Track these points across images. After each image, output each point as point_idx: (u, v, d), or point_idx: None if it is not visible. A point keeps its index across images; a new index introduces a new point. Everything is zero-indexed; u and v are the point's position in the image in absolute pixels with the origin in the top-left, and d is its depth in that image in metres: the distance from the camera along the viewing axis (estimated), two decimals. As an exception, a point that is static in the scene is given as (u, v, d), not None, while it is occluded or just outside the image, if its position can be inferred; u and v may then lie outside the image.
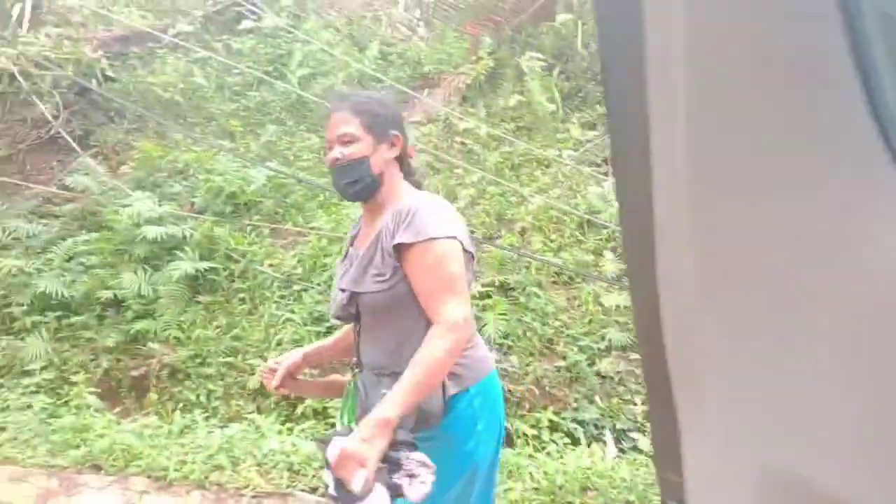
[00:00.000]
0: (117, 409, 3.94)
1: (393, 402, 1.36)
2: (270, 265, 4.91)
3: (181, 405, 3.94)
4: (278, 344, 4.26)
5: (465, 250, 1.53)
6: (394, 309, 1.53)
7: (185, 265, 4.59)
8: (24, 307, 4.56)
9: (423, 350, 1.42)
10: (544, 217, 5.23)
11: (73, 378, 4.04)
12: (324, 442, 1.41)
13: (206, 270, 4.68)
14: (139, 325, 4.37)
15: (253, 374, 4.10)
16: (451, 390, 1.52)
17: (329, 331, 4.40)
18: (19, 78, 5.89)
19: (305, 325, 4.37)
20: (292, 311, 4.50)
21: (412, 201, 1.56)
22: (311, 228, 5.27)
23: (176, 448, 3.28)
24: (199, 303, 4.60)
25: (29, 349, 4.29)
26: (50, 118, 6.06)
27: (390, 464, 1.34)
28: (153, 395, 4.02)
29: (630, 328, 4.18)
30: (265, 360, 4.18)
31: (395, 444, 1.35)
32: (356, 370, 1.64)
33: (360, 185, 1.60)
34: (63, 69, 6.04)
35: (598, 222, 5.14)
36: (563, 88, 6.86)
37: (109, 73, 6.65)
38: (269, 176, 5.61)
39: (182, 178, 5.69)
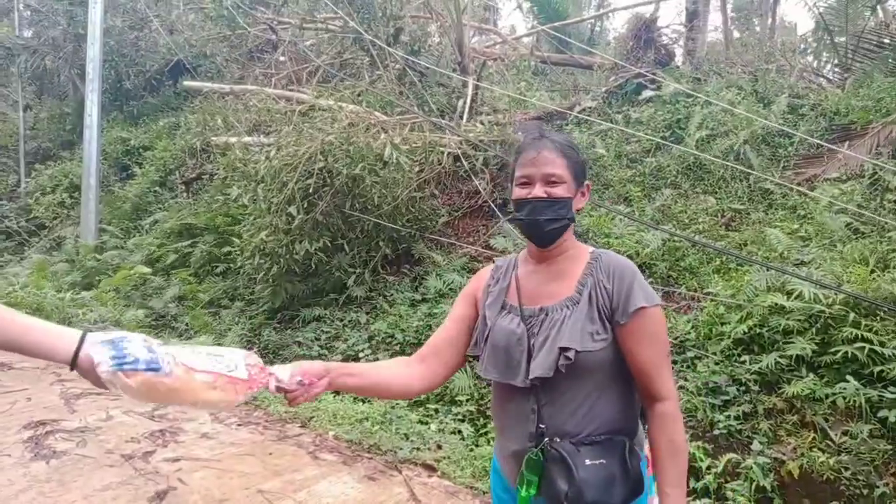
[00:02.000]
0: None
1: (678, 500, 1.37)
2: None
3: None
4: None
5: None
6: (599, 371, 1.45)
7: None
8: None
9: (669, 433, 1.40)
10: None
11: (489, 412, 4.71)
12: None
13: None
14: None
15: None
16: None
17: (725, 404, 4.18)
18: (461, 158, 7.30)
19: (699, 394, 4.23)
20: (685, 379, 4.42)
21: (610, 253, 1.55)
22: (706, 293, 5.12)
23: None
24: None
25: (457, 382, 5.18)
26: (480, 190, 7.32)
27: None
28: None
29: None
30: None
31: None
32: (540, 437, 1.47)
33: (557, 226, 1.53)
34: (491, 149, 7.28)
35: None
36: None
37: (525, 149, 7.70)
38: (664, 239, 5.69)
39: (582, 242, 6.18)
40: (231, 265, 7.56)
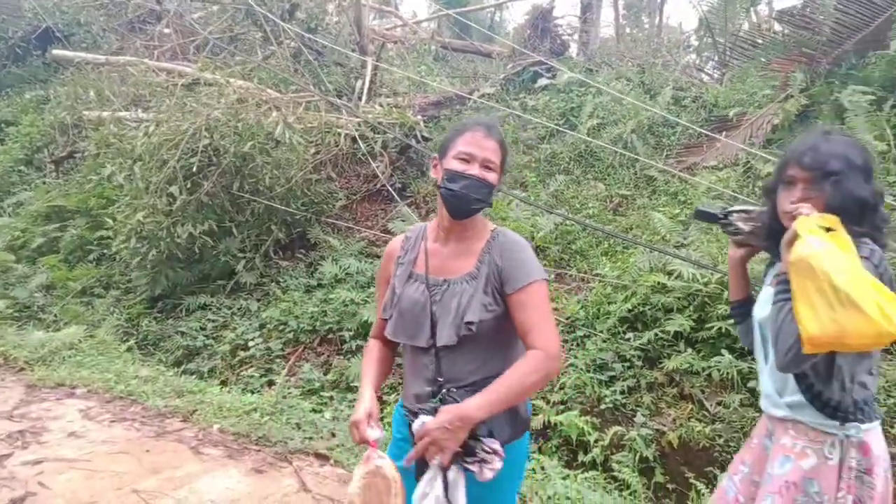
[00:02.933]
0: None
1: (480, 406, 1.54)
2: (555, 309, 5.05)
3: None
4: (561, 387, 4.33)
5: None
6: (491, 333, 1.70)
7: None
8: (352, 332, 5.42)
9: (522, 367, 1.59)
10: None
11: (387, 398, 4.64)
12: (412, 413, 1.69)
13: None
14: (439, 357, 4.84)
15: (536, 413, 4.22)
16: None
17: (612, 380, 4.35)
18: (359, 141, 7.13)
19: (588, 371, 4.37)
20: (575, 357, 4.55)
21: (507, 233, 1.78)
22: (596, 275, 5.30)
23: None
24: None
25: (353, 369, 5.06)
26: (378, 174, 7.19)
27: (466, 450, 1.55)
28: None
29: None
30: (547, 401, 4.30)
31: (472, 433, 1.54)
32: (439, 388, 1.72)
33: (480, 206, 1.73)
34: (390, 132, 7.16)
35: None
36: (898, 124, 5.84)
37: (425, 133, 7.66)
38: (556, 223, 5.83)
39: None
40: (106, 251, 6.97)
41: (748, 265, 1.99)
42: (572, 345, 4.72)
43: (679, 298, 4.52)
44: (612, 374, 4.30)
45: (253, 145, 5.94)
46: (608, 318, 4.70)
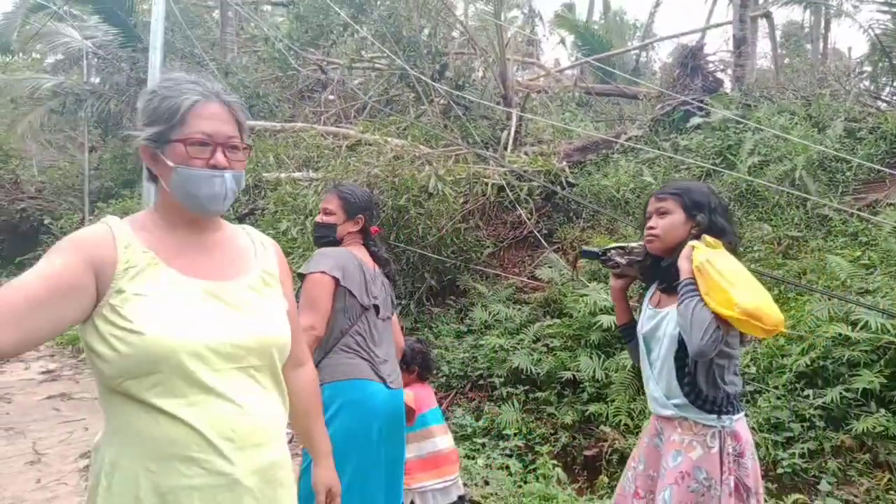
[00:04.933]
0: (574, 485, 4.29)
1: None
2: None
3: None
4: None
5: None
6: None
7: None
8: (502, 378, 5.46)
9: None
10: None
11: (538, 448, 4.59)
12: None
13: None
14: (593, 408, 4.73)
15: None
16: None
17: (789, 441, 3.95)
18: (506, 189, 7.30)
19: (761, 430, 4.01)
20: (746, 415, 4.21)
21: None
22: (764, 325, 4.90)
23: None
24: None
25: (505, 416, 5.08)
26: (525, 220, 7.28)
27: None
28: (604, 478, 4.24)
29: None
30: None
31: None
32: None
33: (324, 241, 2.70)
34: (536, 180, 7.25)
35: None
36: None
37: (570, 179, 7.67)
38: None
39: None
40: (280, 298, 7.65)
41: (628, 292, 2.42)
42: (742, 400, 4.38)
43: (866, 352, 4.05)
44: (790, 434, 3.92)
45: (408, 198, 6.30)
46: (783, 372, 4.31)
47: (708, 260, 1.93)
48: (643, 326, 2.22)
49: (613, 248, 2.33)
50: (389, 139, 7.15)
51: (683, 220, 2.11)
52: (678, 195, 2.12)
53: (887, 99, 9.11)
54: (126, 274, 1.23)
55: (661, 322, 2.11)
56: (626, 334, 2.38)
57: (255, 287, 1.39)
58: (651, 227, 2.13)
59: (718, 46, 16.41)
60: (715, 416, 2.00)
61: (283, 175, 7.41)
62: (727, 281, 1.87)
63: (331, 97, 10.97)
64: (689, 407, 2.03)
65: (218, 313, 1.29)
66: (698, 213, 2.09)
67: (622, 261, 2.31)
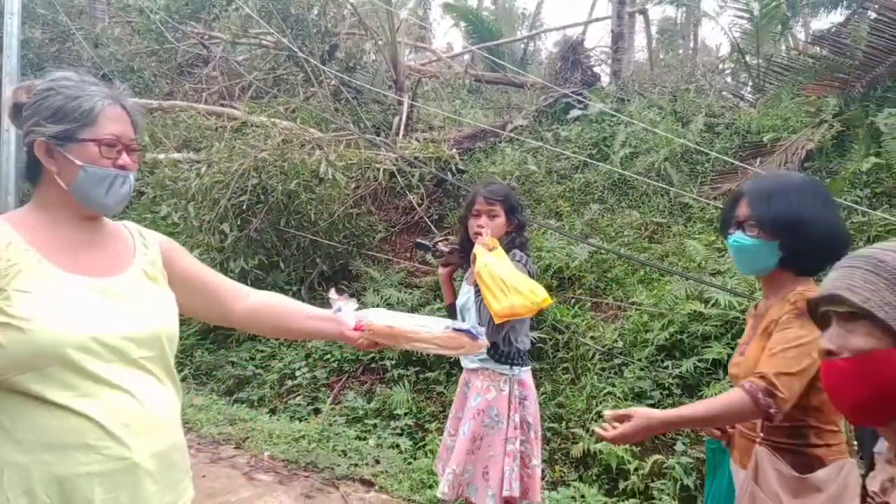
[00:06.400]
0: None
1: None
2: (592, 338, 5.13)
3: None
4: (598, 415, 4.40)
5: None
6: None
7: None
8: (394, 361, 5.59)
9: None
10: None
11: (427, 425, 4.77)
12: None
13: (534, 340, 5.12)
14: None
15: (576, 442, 4.30)
16: None
17: (651, 408, 4.38)
18: (396, 175, 7.39)
19: (626, 399, 4.43)
20: (613, 385, 4.62)
21: None
22: (631, 303, 5.37)
23: None
24: (528, 369, 5.04)
25: (395, 397, 5.22)
26: (416, 206, 7.41)
27: None
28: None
29: None
30: (586, 429, 4.36)
31: None
32: None
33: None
34: (427, 166, 7.39)
35: None
36: (938, 146, 5.79)
37: (460, 165, 7.88)
38: (591, 252, 5.93)
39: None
40: (161, 285, 7.32)
41: (454, 277, 3.07)
42: (610, 373, 4.79)
43: (717, 326, 4.56)
44: (651, 402, 4.35)
45: (298, 183, 6.23)
46: (646, 346, 4.76)
47: (486, 265, 2.56)
48: (459, 300, 2.92)
49: (440, 240, 2.94)
50: (277, 122, 7.00)
51: (505, 221, 2.80)
52: (503, 201, 2.80)
53: (743, 95, 10.06)
54: (8, 273, 1.23)
55: (470, 296, 2.79)
56: (451, 313, 2.99)
57: (139, 281, 1.42)
58: (481, 226, 2.74)
59: (600, 39, 17.27)
60: (508, 367, 2.72)
61: (161, 156, 7.05)
62: (490, 291, 2.50)
63: (213, 73, 10.48)
64: (489, 360, 2.71)
65: (104, 307, 1.31)
66: (514, 215, 2.83)
67: (446, 249, 2.91)
